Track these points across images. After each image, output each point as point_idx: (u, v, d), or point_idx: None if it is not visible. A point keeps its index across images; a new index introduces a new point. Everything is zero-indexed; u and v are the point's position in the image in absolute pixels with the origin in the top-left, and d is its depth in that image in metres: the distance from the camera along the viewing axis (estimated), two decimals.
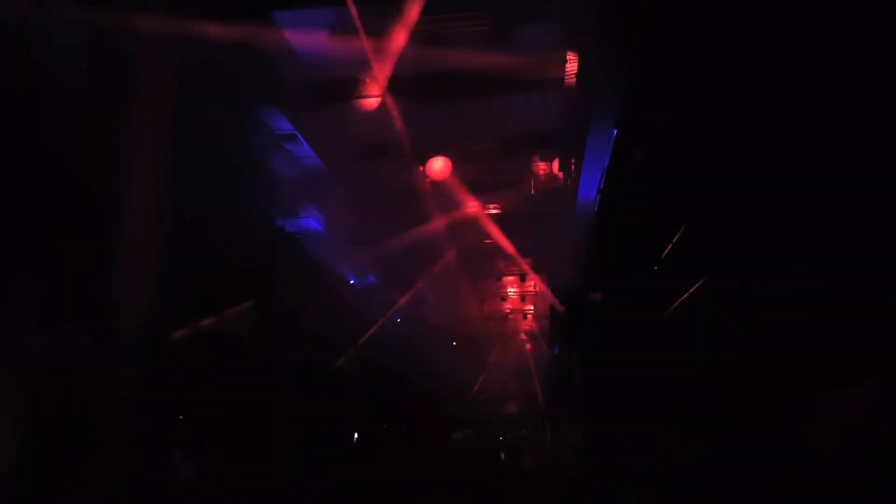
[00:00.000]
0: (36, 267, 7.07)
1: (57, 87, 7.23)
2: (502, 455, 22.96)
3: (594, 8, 8.37)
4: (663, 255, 7.22)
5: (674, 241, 6.91)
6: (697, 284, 6.58)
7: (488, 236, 17.10)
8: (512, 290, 23.70)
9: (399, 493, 12.17)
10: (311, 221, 14.49)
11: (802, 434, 4.94)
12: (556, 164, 14.55)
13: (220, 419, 10.31)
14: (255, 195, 11.23)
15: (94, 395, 7.62)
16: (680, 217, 6.63)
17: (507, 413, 27.02)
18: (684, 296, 6.84)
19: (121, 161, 7.60)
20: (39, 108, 6.80)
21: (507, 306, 25.57)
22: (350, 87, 11.85)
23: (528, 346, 27.78)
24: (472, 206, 15.92)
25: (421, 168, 14.23)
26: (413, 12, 9.89)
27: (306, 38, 10.53)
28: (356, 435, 16.77)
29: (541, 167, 14.89)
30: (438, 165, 13.96)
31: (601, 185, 9.19)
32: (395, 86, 11.57)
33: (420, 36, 10.29)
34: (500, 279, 21.81)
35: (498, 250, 17.86)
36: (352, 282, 16.93)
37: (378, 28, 10.19)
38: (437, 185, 14.74)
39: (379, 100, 11.91)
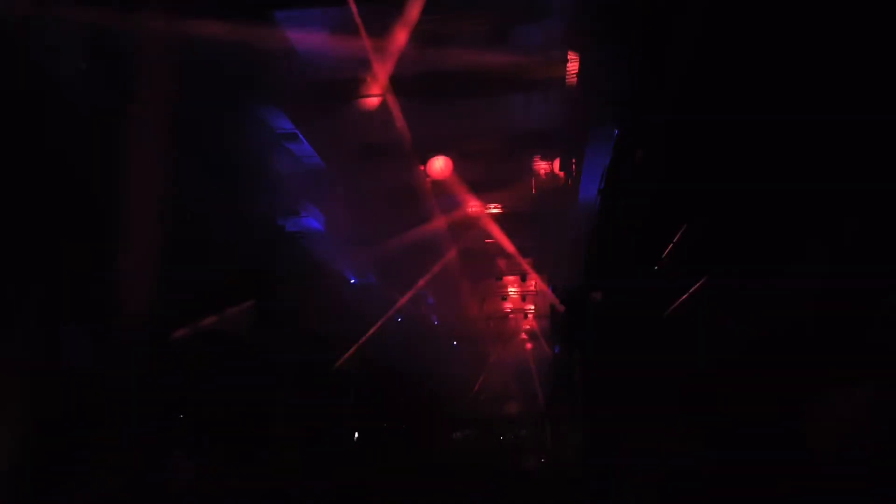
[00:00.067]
0: (36, 267, 7.07)
1: (57, 87, 7.23)
2: (502, 455, 22.91)
3: (594, 8, 8.39)
4: (663, 255, 7.21)
5: (674, 241, 6.90)
6: (697, 284, 6.57)
7: (489, 236, 17.12)
8: (512, 290, 23.70)
9: (399, 493, 12.15)
10: (311, 221, 14.45)
11: (802, 434, 4.92)
12: (556, 164, 14.56)
13: (220, 419, 10.31)
14: (256, 195, 11.21)
15: (94, 395, 7.61)
16: (680, 217, 6.62)
17: (507, 413, 26.98)
18: (684, 296, 6.83)
19: (121, 161, 7.61)
20: (39, 108, 6.80)
21: (508, 306, 25.57)
22: (351, 86, 11.85)
23: (528, 345, 27.78)
24: (472, 205, 15.95)
25: (422, 167, 14.24)
26: (414, 12, 9.91)
27: (307, 38, 10.54)
28: (356, 435, 16.76)
29: (541, 167, 14.91)
30: (439, 165, 13.96)
31: (601, 185, 9.19)
32: (396, 85, 11.57)
33: (421, 35, 10.30)
34: (500, 279, 21.79)
35: (498, 250, 17.87)
36: (352, 282, 16.91)
37: (379, 28, 10.21)
38: (438, 185, 14.75)
39: (380, 99, 11.92)
